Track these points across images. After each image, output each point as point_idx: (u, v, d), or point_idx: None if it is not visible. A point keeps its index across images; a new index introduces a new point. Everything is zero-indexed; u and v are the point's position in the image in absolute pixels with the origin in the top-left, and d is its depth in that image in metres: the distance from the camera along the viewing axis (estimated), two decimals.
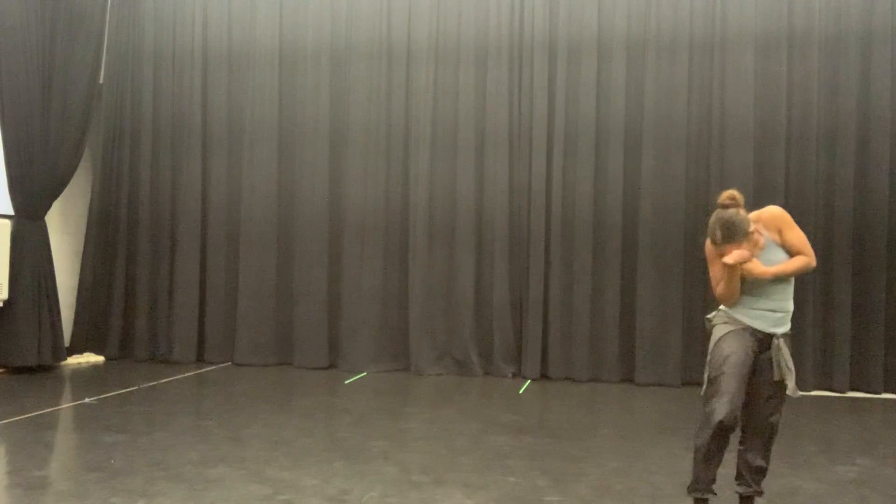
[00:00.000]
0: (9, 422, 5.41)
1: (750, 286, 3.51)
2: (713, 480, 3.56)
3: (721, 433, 3.43)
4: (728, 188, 3.63)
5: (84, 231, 8.58)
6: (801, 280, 3.67)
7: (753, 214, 3.50)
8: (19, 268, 7.38)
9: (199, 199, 8.38)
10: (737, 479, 3.74)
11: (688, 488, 3.62)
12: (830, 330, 7.35)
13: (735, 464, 3.72)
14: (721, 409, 3.40)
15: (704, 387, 3.54)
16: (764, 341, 3.53)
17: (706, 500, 3.59)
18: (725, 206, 3.43)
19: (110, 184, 8.46)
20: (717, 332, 3.59)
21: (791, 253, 3.51)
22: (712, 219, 3.45)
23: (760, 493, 3.72)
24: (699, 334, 7.26)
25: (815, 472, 4.56)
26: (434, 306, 7.98)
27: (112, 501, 3.80)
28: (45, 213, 7.75)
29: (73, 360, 8.05)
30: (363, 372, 7.91)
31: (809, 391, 7.25)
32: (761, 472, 3.68)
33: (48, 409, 5.87)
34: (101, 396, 6.38)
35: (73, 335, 8.36)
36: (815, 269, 4.16)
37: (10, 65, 7.22)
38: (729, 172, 7.43)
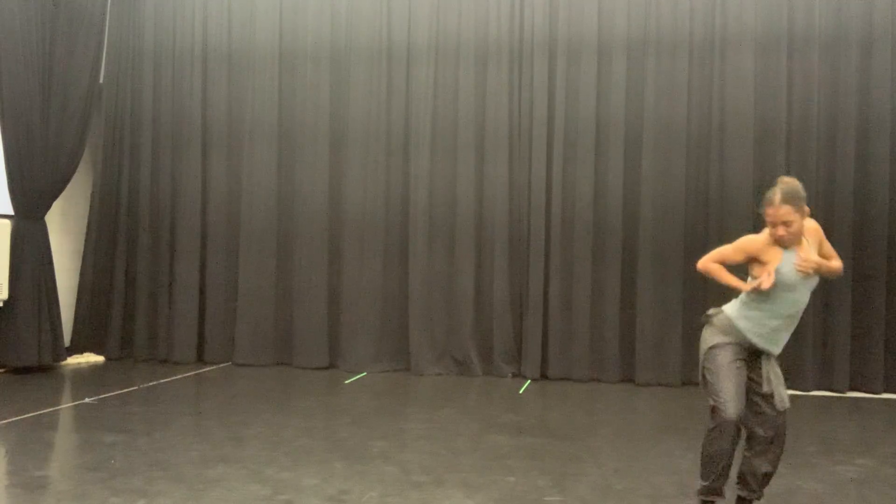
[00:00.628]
0: (9, 422, 5.42)
1: (779, 302, 3.50)
2: (724, 485, 3.55)
3: (732, 430, 3.44)
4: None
5: (84, 231, 8.58)
6: None
7: None
8: (19, 268, 7.38)
9: (199, 198, 8.38)
10: (738, 482, 3.72)
11: (698, 492, 3.56)
12: (830, 330, 7.35)
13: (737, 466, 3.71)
14: (729, 409, 3.42)
15: (710, 400, 3.53)
16: (758, 351, 3.59)
17: (713, 501, 3.59)
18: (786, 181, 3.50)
19: (110, 184, 8.46)
20: (712, 338, 3.66)
21: None
22: (772, 189, 3.48)
23: (760, 497, 3.72)
24: (699, 334, 7.25)
25: (815, 472, 4.56)
26: (434, 306, 7.98)
27: (112, 501, 3.81)
28: (45, 213, 7.75)
29: (73, 360, 8.06)
30: (363, 372, 7.91)
31: (809, 391, 7.26)
32: (768, 477, 3.67)
33: (48, 409, 5.88)
34: (101, 396, 6.38)
35: (73, 335, 8.36)
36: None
37: (10, 65, 7.21)
38: (729, 172, 7.42)
